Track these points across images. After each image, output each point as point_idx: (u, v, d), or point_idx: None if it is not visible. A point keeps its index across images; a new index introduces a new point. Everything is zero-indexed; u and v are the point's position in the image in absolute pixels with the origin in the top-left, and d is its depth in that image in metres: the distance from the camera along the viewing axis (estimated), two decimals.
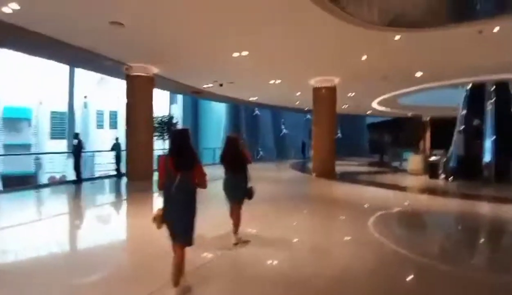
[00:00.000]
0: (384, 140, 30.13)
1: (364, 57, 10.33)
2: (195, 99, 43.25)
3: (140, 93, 11.63)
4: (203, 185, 3.26)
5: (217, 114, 41.04)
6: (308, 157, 25.08)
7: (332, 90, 13.54)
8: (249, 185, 4.76)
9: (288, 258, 4.32)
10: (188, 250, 3.22)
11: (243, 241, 4.70)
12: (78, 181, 11.05)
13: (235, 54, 9.64)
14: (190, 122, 43.04)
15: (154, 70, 11.96)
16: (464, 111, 16.14)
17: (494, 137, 13.88)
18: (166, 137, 12.83)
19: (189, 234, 3.13)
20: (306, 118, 43.51)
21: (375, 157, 28.85)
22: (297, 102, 22.13)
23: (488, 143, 13.80)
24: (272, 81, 14.05)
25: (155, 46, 9.52)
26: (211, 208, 5.97)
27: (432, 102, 22.83)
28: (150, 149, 11.89)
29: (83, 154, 11.80)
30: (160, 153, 13.22)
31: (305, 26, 7.91)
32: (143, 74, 11.67)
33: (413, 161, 14.05)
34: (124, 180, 11.88)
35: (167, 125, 12.53)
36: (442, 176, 12.56)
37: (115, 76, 14.16)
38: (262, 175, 13.27)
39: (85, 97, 25.50)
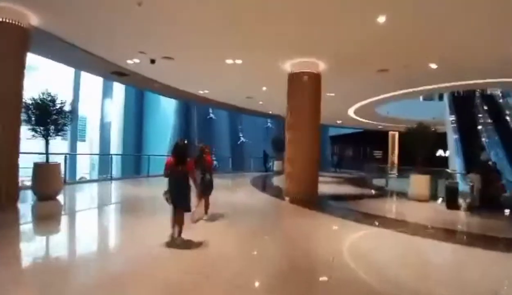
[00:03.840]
0: (355, 154, 27.13)
1: (381, 19, 6.41)
2: (140, 95, 36.93)
3: None
4: (192, 175, 4.89)
5: (164, 114, 35.51)
6: (272, 170, 21.09)
7: (316, 77, 9.53)
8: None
9: None
10: None
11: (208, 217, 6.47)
12: None
13: None
14: (133, 124, 36.76)
15: (32, 19, 6.98)
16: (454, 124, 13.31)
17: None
18: (54, 133, 7.70)
19: (186, 203, 4.74)
20: (267, 126, 39.69)
21: (341, 172, 25.57)
22: (261, 102, 17.99)
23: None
24: (229, 61, 9.64)
25: None
26: None
27: (404, 114, 20.25)
28: (13, 153, 6.66)
29: None
30: (42, 158, 8.13)
31: None
32: (6, 20, 6.65)
33: (417, 182, 10.40)
34: None
35: (51, 112, 7.38)
36: (463, 206, 9.05)
37: None
38: (211, 201, 8.32)
39: None
